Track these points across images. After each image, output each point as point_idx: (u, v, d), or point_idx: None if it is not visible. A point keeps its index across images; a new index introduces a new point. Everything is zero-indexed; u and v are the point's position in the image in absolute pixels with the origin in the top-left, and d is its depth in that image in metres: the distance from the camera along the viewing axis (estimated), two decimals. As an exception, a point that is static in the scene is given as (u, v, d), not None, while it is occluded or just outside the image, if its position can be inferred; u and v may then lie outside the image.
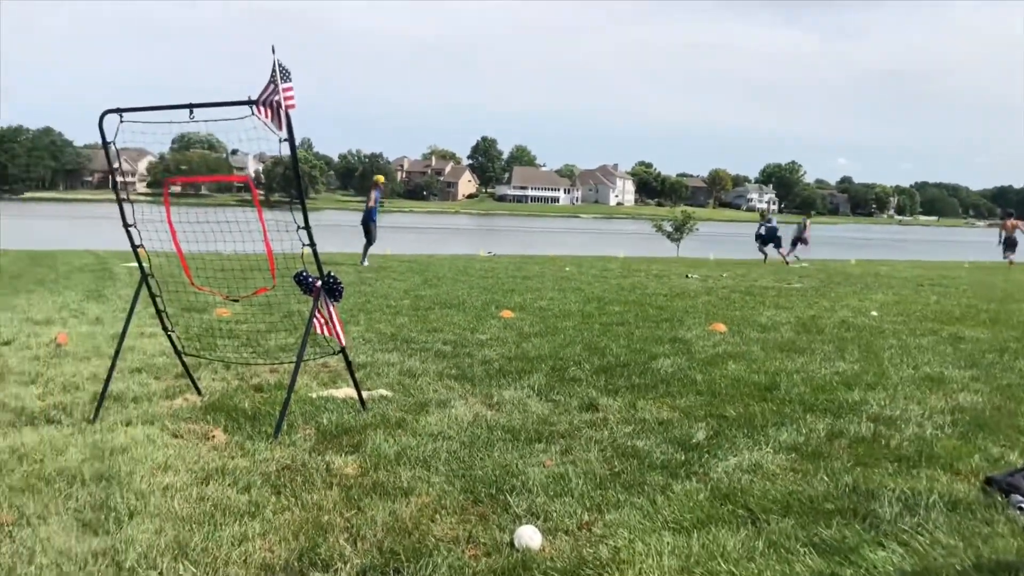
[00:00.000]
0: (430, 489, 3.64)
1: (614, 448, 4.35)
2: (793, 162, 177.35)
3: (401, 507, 3.42)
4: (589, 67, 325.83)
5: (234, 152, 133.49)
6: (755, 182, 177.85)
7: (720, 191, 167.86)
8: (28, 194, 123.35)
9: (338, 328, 4.76)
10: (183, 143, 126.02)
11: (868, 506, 3.53)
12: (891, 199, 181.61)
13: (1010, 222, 28.53)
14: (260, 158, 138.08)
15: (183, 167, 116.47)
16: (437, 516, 3.34)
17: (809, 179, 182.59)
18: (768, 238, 25.73)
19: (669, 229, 37.83)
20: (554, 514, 3.38)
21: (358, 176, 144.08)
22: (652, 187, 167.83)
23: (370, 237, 19.06)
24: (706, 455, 4.25)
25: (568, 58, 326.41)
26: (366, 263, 18.29)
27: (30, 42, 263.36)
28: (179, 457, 4.02)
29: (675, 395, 5.67)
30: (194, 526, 3.16)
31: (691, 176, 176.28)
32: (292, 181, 4.60)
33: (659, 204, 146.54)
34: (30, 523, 3.17)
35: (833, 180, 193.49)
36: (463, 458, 4.11)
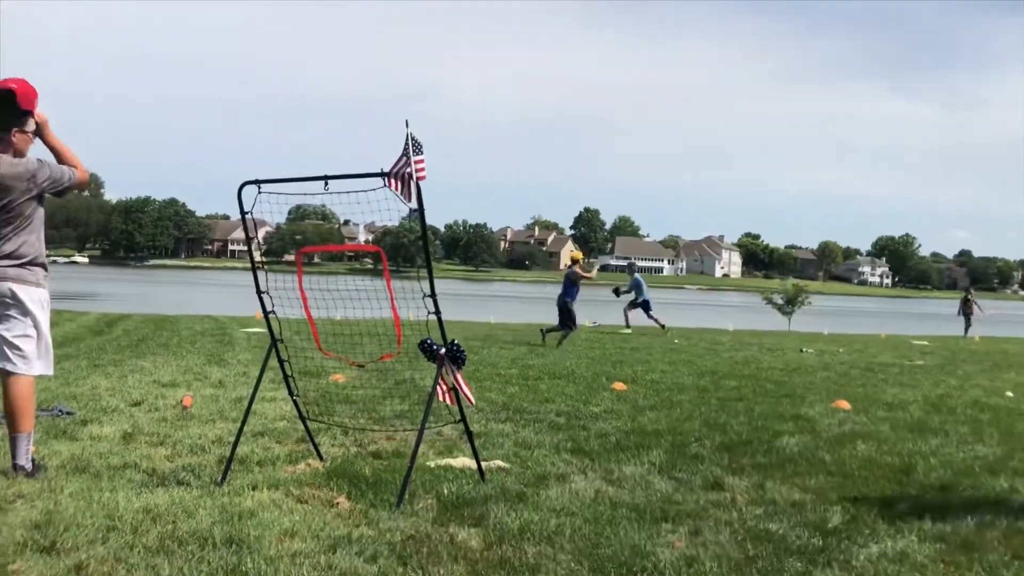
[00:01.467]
0: (557, 568, 3.54)
1: (745, 530, 4.16)
2: (907, 234, 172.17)
3: (530, 585, 3.33)
4: (695, 137, 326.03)
5: (346, 222, 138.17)
6: (867, 255, 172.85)
7: (830, 263, 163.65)
8: (153, 261, 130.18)
9: (466, 390, 4.76)
10: (298, 214, 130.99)
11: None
12: (1015, 273, 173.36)
13: None
14: (370, 228, 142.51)
15: (298, 236, 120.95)
16: (567, 596, 3.23)
17: (924, 252, 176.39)
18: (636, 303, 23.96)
19: (780, 302, 36.90)
20: (690, 599, 3.22)
21: (462, 245, 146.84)
22: (759, 259, 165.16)
23: (572, 320, 16.43)
24: (845, 541, 4.02)
25: (673, 128, 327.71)
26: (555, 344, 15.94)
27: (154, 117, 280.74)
28: (305, 523, 4.03)
29: (804, 475, 5.42)
30: (325, 596, 3.13)
31: (800, 248, 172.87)
32: (422, 250, 4.66)
33: (766, 276, 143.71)
34: (166, 585, 3.21)
35: (950, 253, 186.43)
36: (588, 536, 3.99)
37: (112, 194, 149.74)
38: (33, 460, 4.88)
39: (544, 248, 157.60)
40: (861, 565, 3.68)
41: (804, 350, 17.14)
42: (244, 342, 14.77)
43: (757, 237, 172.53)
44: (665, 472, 5.45)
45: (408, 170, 4.26)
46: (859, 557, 3.77)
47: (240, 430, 5.07)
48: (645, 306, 24.04)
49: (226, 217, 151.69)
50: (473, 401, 4.86)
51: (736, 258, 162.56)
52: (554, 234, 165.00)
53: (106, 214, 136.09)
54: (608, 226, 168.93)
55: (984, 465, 5.82)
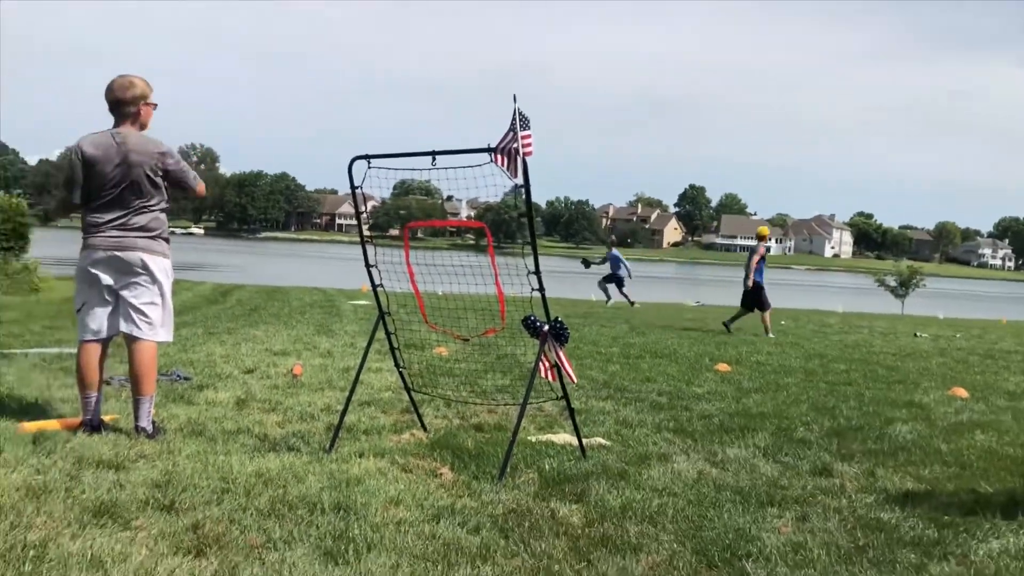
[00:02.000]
0: (659, 548, 3.51)
1: (855, 519, 4.03)
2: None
3: (631, 564, 3.30)
4: (807, 113, 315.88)
5: (448, 198, 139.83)
6: (987, 236, 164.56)
7: (947, 245, 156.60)
8: (264, 233, 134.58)
9: (569, 368, 4.76)
10: (402, 189, 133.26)
11: None
12: None
13: None
14: (472, 204, 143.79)
15: (402, 211, 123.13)
16: (669, 577, 3.20)
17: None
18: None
19: (893, 284, 35.57)
20: (796, 587, 3.14)
21: (563, 222, 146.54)
22: (872, 239, 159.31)
23: (765, 301, 14.97)
24: (963, 535, 3.85)
25: (784, 104, 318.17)
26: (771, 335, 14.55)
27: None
28: (409, 492, 4.11)
29: (917, 464, 5.22)
30: (429, 564, 3.19)
31: (915, 228, 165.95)
32: (524, 226, 4.65)
33: (879, 257, 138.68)
34: (276, 547, 3.32)
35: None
36: (691, 517, 3.94)
37: (227, 168, 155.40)
38: (154, 422, 5.12)
39: (647, 226, 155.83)
40: (980, 560, 3.52)
41: (918, 334, 16.49)
42: (351, 314, 15.13)
43: (870, 217, 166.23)
44: (771, 456, 5.33)
45: (515, 145, 4.25)
46: (977, 552, 3.61)
47: (348, 400, 5.19)
48: (618, 282, 23.03)
49: (334, 192, 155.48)
50: (575, 379, 4.85)
51: (847, 238, 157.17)
52: (657, 211, 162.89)
53: (221, 187, 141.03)
54: (714, 204, 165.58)
55: (1116, 461, 5.47)
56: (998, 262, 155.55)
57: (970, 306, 41.11)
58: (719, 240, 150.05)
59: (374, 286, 5.22)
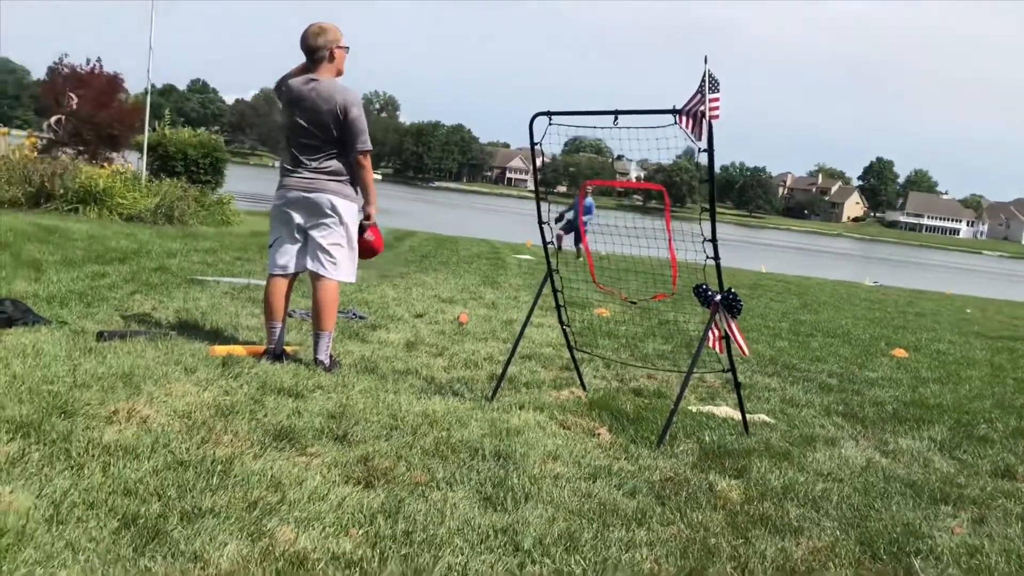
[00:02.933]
0: (821, 533, 3.40)
1: (1039, 528, 3.76)
2: None
3: (791, 546, 3.22)
4: (1010, 85, 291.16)
5: (619, 157, 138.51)
6: None
7: None
8: (437, 183, 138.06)
9: (740, 340, 4.65)
10: (573, 146, 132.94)
11: None
12: None
13: None
14: (643, 164, 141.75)
15: (571, 168, 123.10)
16: (831, 564, 3.10)
17: None
18: None
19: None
20: (969, 593, 2.97)
21: (737, 188, 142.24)
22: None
23: None
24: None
25: (991, 75, 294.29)
26: None
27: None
28: (567, 448, 4.15)
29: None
30: (584, 522, 3.22)
31: None
32: (708, 194, 4.55)
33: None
34: (439, 487, 3.44)
35: None
36: (857, 506, 3.79)
37: (406, 117, 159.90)
38: (331, 356, 5.40)
39: (826, 198, 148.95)
40: None
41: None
42: (515, 268, 15.36)
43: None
44: (947, 451, 5.04)
45: (702, 108, 4.14)
46: None
47: (512, 352, 5.29)
48: (568, 226, 19.30)
49: (506, 145, 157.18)
50: (747, 352, 4.74)
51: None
52: (839, 184, 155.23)
53: (400, 135, 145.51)
54: (901, 179, 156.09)
55: None
56: None
57: None
58: (903, 218, 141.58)
59: (545, 243, 5.26)
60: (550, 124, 4.96)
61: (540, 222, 5.27)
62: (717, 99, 4.15)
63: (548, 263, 5.37)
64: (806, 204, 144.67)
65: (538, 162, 5.22)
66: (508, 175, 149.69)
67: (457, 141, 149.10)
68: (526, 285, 12.18)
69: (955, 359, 9.10)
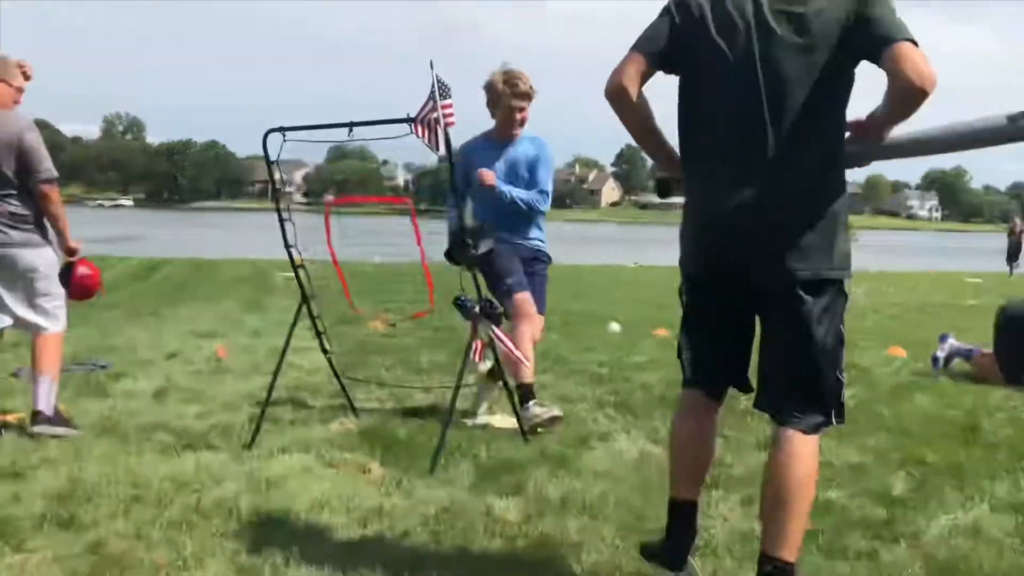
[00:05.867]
0: (601, 545, 3.30)
1: (803, 500, 3.88)
2: (959, 167, 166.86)
3: (572, 567, 3.10)
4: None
5: (384, 162, 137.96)
6: (916, 188, 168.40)
7: (877, 199, 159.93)
8: (196, 203, 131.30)
9: (509, 345, 4.51)
10: (337, 154, 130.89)
11: None
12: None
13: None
14: (409, 168, 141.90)
15: (338, 176, 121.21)
16: (612, 581, 3.00)
17: (976, 185, 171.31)
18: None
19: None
20: (745, 583, 2.96)
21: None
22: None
23: None
24: (911, 511, 3.73)
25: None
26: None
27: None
28: (335, 492, 3.84)
29: (862, 433, 5.12)
30: (353, 580, 2.94)
31: (848, 183, 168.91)
32: (452, 198, 4.39)
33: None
34: (186, 566, 3.03)
35: (1003, 186, 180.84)
36: (634, 506, 3.75)
37: (154, 137, 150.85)
38: (58, 411, 4.77)
39: (585, 186, 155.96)
40: (931, 541, 3.40)
41: (853, 289, 16.68)
42: (283, 287, 14.67)
43: None
44: (714, 430, 5.17)
45: (435, 115, 3.95)
46: (928, 532, 3.49)
47: (270, 391, 4.88)
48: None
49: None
50: (526, 361, 4.61)
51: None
52: (595, 171, 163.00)
53: (149, 157, 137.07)
54: (649, 164, 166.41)
55: (1055, 421, 5.46)
56: (925, 213, 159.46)
57: (900, 258, 41.96)
58: (655, 200, 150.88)
59: (294, 267, 4.92)
60: (284, 141, 4.65)
61: (287, 245, 4.91)
62: (450, 105, 3.99)
63: (302, 290, 5.03)
64: (567, 194, 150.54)
65: (281, 175, 4.86)
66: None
67: (213, 158, 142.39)
68: (295, 306, 11.62)
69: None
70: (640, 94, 2.76)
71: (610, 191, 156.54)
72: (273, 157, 4.70)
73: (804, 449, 2.67)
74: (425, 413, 5.50)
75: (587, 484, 4.01)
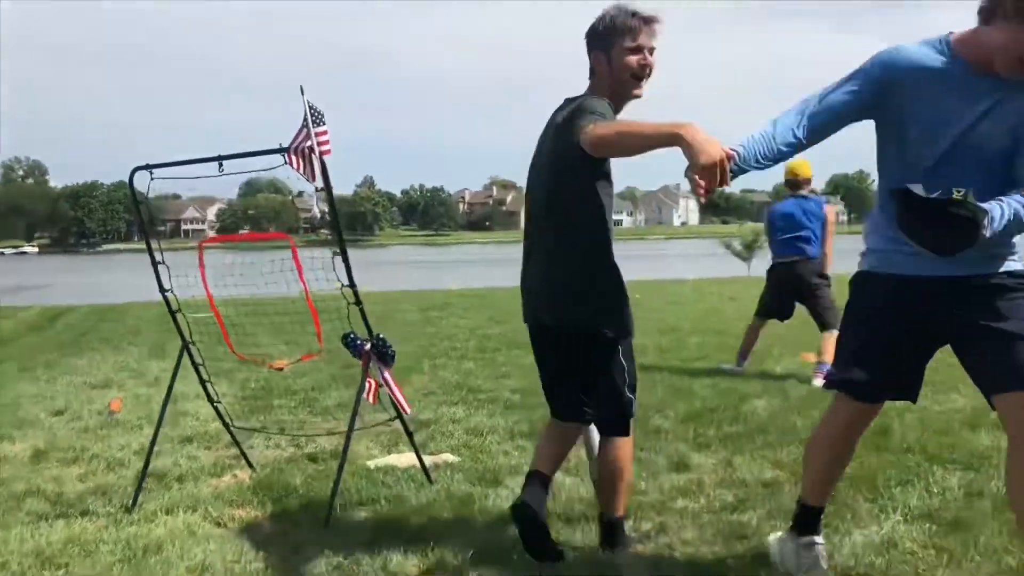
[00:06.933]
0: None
1: (715, 525, 3.73)
2: (861, 171, 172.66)
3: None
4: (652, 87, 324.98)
5: (299, 194, 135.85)
6: (822, 193, 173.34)
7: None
8: (106, 246, 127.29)
9: (397, 394, 4.26)
10: (250, 189, 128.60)
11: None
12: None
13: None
14: (322, 198, 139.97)
15: (251, 211, 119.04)
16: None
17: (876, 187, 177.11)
18: None
19: (738, 247, 36.84)
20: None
21: (420, 210, 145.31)
22: (716, 205, 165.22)
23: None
24: (826, 529, 3.60)
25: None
26: None
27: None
28: (218, 554, 3.54)
29: (775, 447, 5.03)
30: (225, 661, 2.65)
31: (756, 191, 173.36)
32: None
33: (724, 222, 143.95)
34: (39, 659, 2.71)
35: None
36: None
37: (57, 181, 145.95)
38: None
39: (504, 208, 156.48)
40: (845, 560, 3.28)
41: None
42: (193, 328, 14.12)
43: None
44: (627, 454, 5.01)
45: (309, 144, 3.72)
46: (842, 550, 3.37)
47: (151, 447, 4.54)
48: None
49: (177, 197, 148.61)
50: (408, 408, 4.35)
51: (693, 206, 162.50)
52: (513, 193, 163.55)
53: (52, 201, 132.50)
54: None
55: (963, 420, 5.47)
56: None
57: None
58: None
59: (172, 313, 4.62)
60: (152, 179, 4.36)
61: (161, 290, 4.60)
62: (325, 132, 3.76)
63: (181, 336, 4.72)
64: (486, 216, 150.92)
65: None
66: (184, 227, 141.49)
67: (121, 199, 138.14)
68: (204, 348, 11.14)
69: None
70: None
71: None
72: (143, 194, 4.41)
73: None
74: (327, 457, 5.21)
75: (493, 529, 3.79)
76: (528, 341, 3.63)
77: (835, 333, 8.24)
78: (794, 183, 8.12)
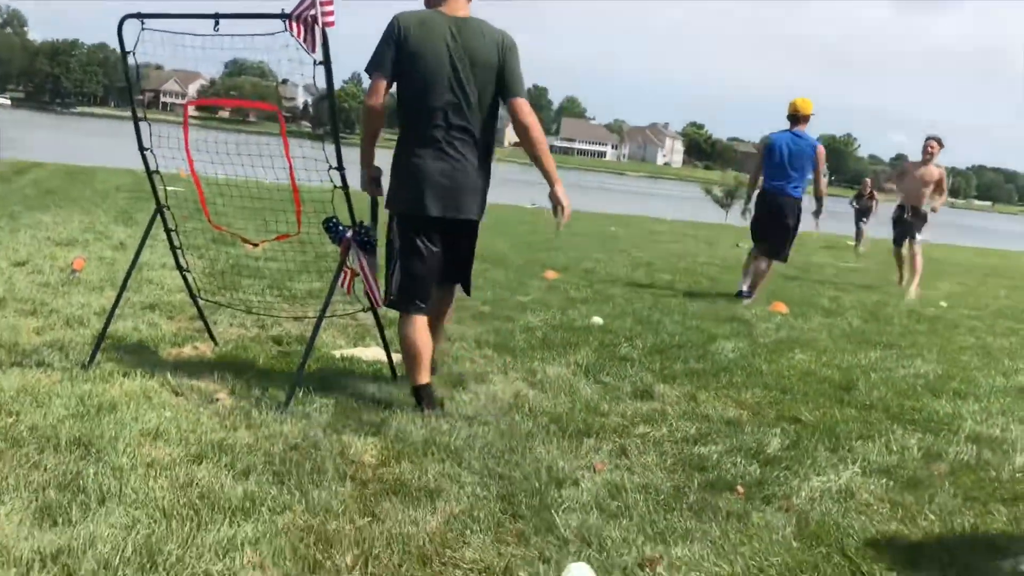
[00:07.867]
0: (460, 492, 3.06)
1: (676, 455, 3.73)
2: (848, 135, 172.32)
3: (425, 516, 2.84)
4: (653, 23, 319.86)
5: (284, 81, 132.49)
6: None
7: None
8: (80, 108, 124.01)
9: (373, 286, 4.15)
10: (235, 69, 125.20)
11: (993, 566, 2.89)
12: (953, 180, 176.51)
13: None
14: (310, 89, 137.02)
15: (233, 92, 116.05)
16: (467, 532, 2.75)
17: (863, 153, 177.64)
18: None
19: (719, 195, 36.78)
20: (609, 542, 2.77)
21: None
22: (702, 149, 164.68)
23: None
24: (785, 472, 3.62)
25: (634, 11, 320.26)
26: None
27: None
28: (174, 422, 3.47)
29: (740, 387, 5.03)
30: (174, 524, 2.59)
31: (742, 141, 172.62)
32: (328, 111, 3.99)
33: (707, 168, 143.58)
34: (-18, 500, 2.64)
35: (887, 157, 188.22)
36: (501, 452, 3.51)
37: (36, 34, 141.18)
38: None
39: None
40: (802, 504, 3.29)
41: (739, 245, 16.89)
42: (161, 200, 13.84)
43: (701, 127, 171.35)
44: (592, 375, 5.00)
45: (312, 12, 3.53)
46: (800, 493, 3.38)
47: (114, 307, 4.42)
48: None
49: (159, 67, 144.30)
50: (381, 302, 4.25)
51: (679, 147, 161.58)
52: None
53: (30, 54, 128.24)
54: (555, 106, 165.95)
55: (926, 385, 5.51)
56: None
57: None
58: (558, 143, 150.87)
59: (149, 173, 4.45)
60: (143, 29, 4.12)
61: (140, 148, 4.43)
62: (331, 3, 3.56)
63: (156, 199, 4.57)
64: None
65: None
66: (163, 99, 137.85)
67: (101, 62, 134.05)
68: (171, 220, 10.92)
69: (600, 278, 9.46)
70: None
71: (512, 132, 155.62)
72: (129, 47, 4.18)
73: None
74: (292, 340, 5.14)
75: (454, 427, 3.75)
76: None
77: (771, 270, 9.27)
78: (794, 118, 8.57)
